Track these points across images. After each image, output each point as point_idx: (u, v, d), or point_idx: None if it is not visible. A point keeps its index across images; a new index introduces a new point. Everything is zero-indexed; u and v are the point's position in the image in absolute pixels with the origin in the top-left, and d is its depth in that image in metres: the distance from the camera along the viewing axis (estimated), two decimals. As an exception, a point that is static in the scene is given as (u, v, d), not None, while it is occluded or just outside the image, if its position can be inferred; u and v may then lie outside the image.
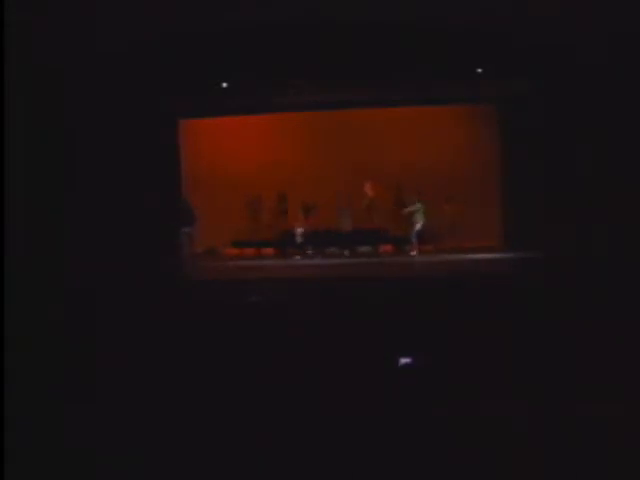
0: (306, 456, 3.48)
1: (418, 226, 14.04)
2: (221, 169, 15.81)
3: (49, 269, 10.16)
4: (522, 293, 7.89)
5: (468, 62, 12.26)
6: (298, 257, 14.58)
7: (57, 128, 11.67)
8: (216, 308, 7.27)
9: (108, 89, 11.97)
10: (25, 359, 4.94)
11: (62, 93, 11.57)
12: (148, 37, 11.21)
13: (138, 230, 12.25)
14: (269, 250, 15.59)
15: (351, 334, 5.56)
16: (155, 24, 10.80)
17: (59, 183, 11.69)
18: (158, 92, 12.62)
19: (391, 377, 4.64)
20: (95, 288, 8.81)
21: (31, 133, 10.82)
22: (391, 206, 15.29)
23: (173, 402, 4.17)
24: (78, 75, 11.58)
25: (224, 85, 13.01)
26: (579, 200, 11.89)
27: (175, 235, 13.57)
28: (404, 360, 4.79)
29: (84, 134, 12.07)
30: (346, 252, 14.84)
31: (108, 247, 11.58)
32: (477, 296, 7.63)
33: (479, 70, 12.55)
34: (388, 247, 15.36)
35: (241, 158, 15.92)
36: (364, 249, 15.09)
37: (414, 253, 14.08)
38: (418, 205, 14.04)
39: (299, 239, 14.80)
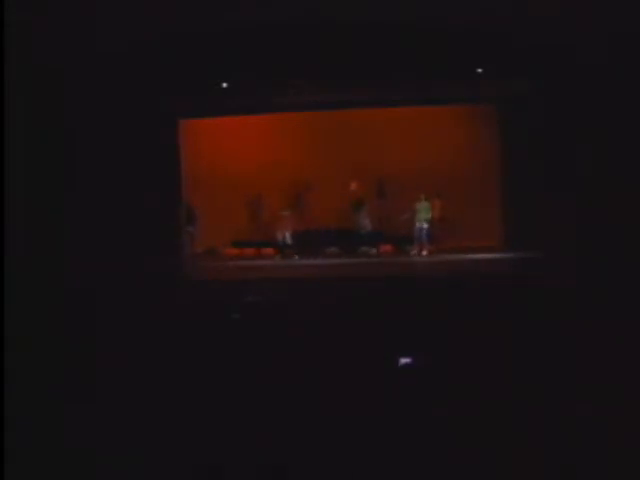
0: (306, 456, 3.48)
1: (425, 225, 14.03)
2: (221, 169, 15.82)
3: (49, 269, 10.17)
4: (522, 293, 7.89)
5: (468, 62, 12.25)
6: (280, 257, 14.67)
7: (57, 128, 11.67)
8: (216, 308, 7.28)
9: (108, 89, 11.96)
10: (25, 359, 4.94)
11: (62, 93, 11.57)
12: (148, 37, 11.20)
13: (138, 230, 12.24)
14: (269, 250, 15.59)
15: (351, 334, 5.56)
16: (155, 24, 10.79)
17: (59, 183, 11.69)
18: (158, 92, 12.60)
19: (391, 377, 4.64)
20: (95, 288, 8.81)
21: (31, 133, 10.82)
22: (374, 199, 15.28)
23: (173, 402, 4.17)
24: (78, 75, 11.58)
25: (224, 85, 13.00)
26: (579, 200, 11.88)
27: (175, 235, 13.58)
28: (404, 360, 4.79)
29: (84, 134, 12.07)
30: (373, 250, 14.82)
31: (108, 247, 11.58)
32: (477, 296, 7.63)
33: (479, 70, 12.53)
34: (388, 247, 15.36)
35: (241, 158, 15.92)
36: (364, 249, 15.09)
37: (425, 253, 14.06)
38: (425, 204, 14.03)
39: (288, 240, 14.81)
